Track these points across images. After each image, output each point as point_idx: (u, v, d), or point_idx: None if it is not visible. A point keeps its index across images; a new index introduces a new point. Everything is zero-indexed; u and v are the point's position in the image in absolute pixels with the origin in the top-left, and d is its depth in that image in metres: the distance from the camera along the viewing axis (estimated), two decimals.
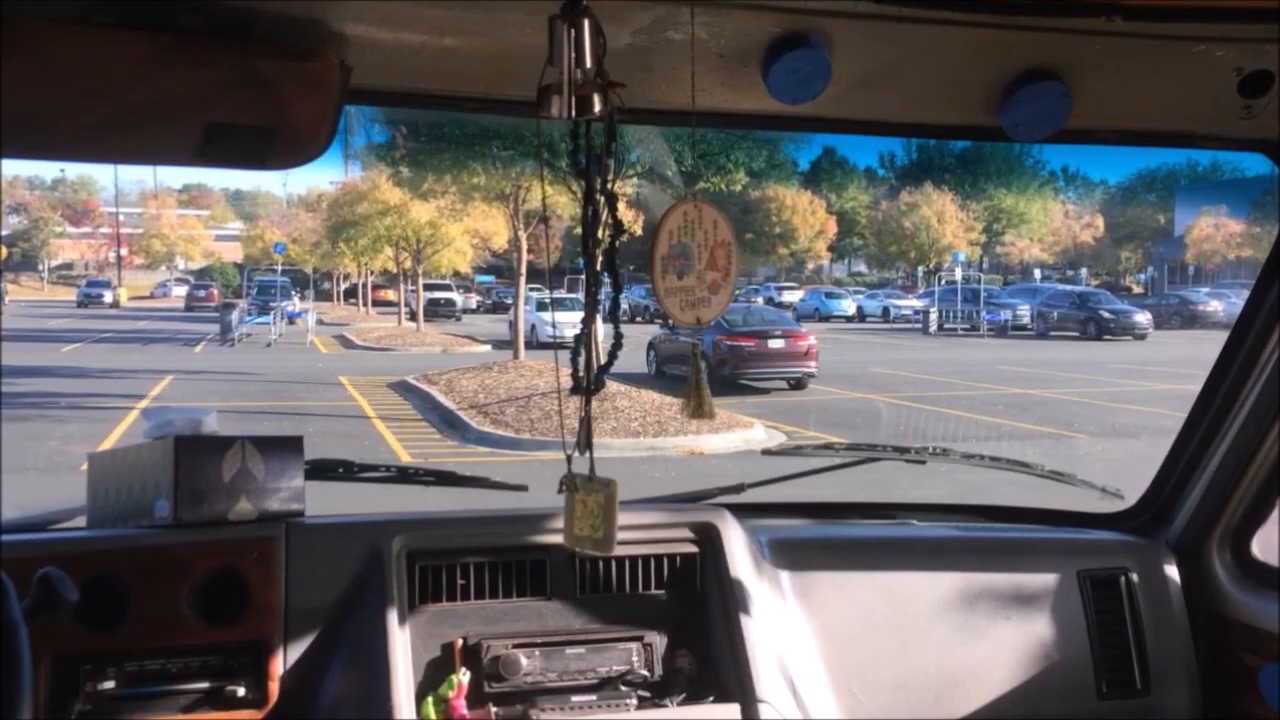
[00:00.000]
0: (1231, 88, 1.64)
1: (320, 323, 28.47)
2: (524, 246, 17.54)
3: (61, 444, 9.86)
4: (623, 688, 1.96)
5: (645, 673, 2.00)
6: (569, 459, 1.60)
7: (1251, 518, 2.24)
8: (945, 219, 36.67)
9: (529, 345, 17.80)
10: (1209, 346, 2.59)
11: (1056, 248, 40.86)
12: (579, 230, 1.51)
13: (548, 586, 2.03)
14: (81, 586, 1.63)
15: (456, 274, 29.63)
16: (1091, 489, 2.47)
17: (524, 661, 1.94)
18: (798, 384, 16.32)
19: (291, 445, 2.01)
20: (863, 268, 44.40)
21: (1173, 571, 2.28)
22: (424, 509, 2.16)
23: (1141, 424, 11.59)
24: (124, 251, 44.81)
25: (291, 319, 27.11)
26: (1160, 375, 16.24)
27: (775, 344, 16.21)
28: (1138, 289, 38.30)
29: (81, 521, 2.09)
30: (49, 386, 14.33)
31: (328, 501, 2.17)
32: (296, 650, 1.89)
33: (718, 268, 1.55)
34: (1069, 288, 30.04)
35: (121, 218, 46.44)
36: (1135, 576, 2.26)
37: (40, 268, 45.09)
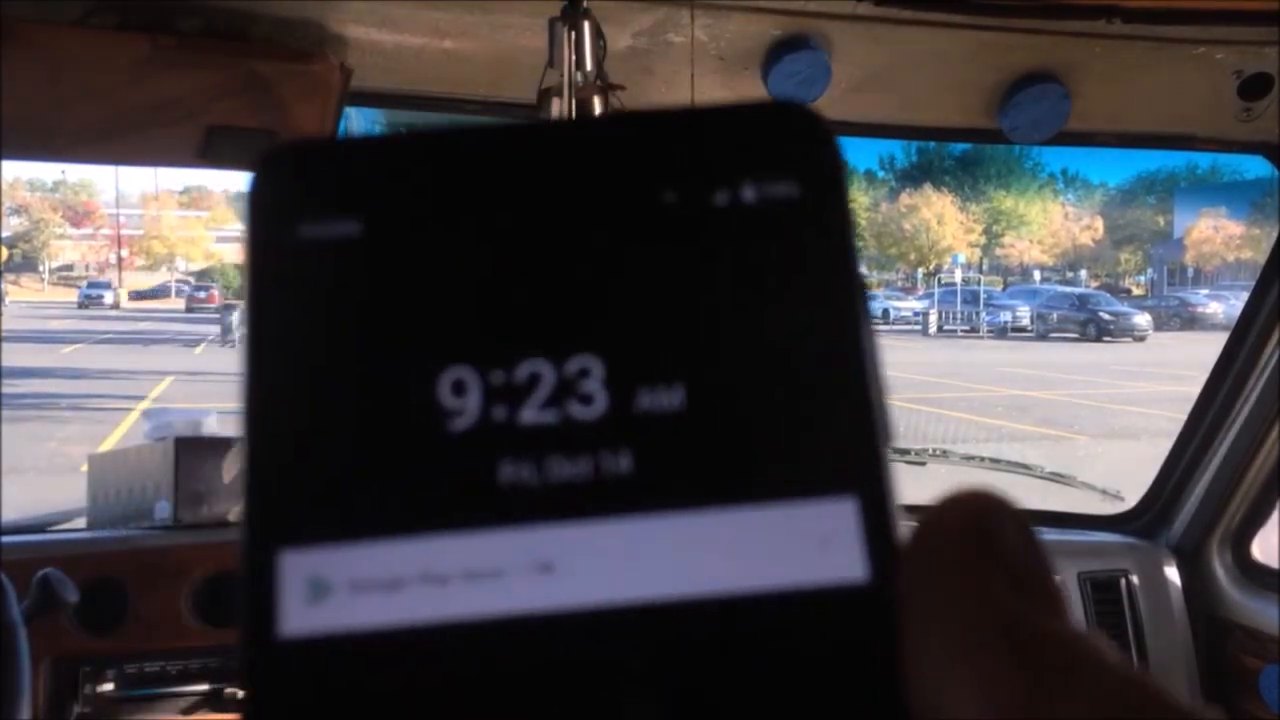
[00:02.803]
0: (1231, 90, 1.64)
1: None
2: None
3: (62, 445, 9.87)
4: None
5: None
6: None
7: (1252, 520, 2.24)
8: (945, 221, 36.68)
9: None
10: (1209, 348, 2.59)
11: (1056, 249, 40.87)
12: None
13: None
14: (81, 588, 1.63)
15: None
16: (1092, 491, 2.47)
17: None
18: None
19: None
20: (863, 269, 44.38)
21: (1173, 574, 2.28)
22: None
23: (1142, 426, 11.59)
24: (124, 253, 44.85)
25: None
26: (1160, 377, 16.24)
27: None
28: (1138, 290, 38.32)
29: (82, 523, 2.09)
30: (49, 387, 14.34)
31: None
32: None
33: None
34: (1069, 289, 30.03)
35: (122, 219, 46.49)
36: (1135, 579, 2.26)
37: (41, 269, 45.13)
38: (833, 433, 0.23)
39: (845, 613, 0.21)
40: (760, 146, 0.24)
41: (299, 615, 0.21)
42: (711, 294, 0.23)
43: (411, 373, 0.23)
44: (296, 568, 0.22)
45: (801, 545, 0.22)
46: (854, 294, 0.24)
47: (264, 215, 0.24)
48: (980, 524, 0.22)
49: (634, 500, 0.22)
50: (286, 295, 0.24)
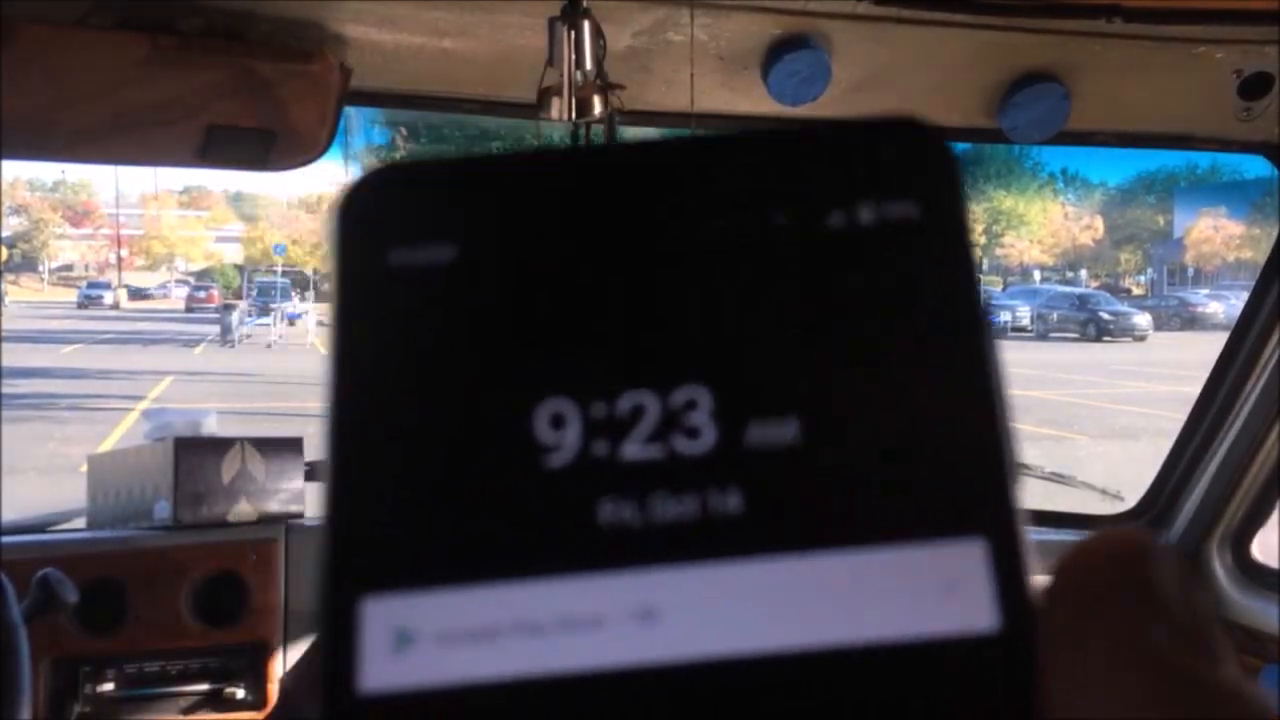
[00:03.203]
0: (1231, 90, 1.64)
1: (321, 324, 28.26)
2: None
3: (61, 445, 9.86)
4: None
5: None
6: None
7: (1252, 520, 2.24)
8: None
9: None
10: (1209, 348, 2.59)
11: (1056, 249, 40.85)
12: None
13: None
14: (81, 588, 1.63)
15: None
16: (1092, 491, 2.47)
17: None
18: None
19: (292, 446, 2.01)
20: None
21: None
22: None
23: (1142, 426, 11.59)
24: (124, 253, 44.83)
25: (292, 320, 27.08)
26: (1160, 377, 16.25)
27: None
28: (1138, 290, 38.31)
29: (81, 523, 2.09)
30: (49, 388, 14.33)
31: None
32: (296, 652, 1.89)
33: None
34: (1069, 289, 30.04)
35: (122, 219, 46.45)
36: None
37: (40, 269, 45.11)
38: (959, 469, 0.21)
39: (976, 666, 0.19)
40: (877, 165, 0.23)
41: (382, 668, 0.20)
42: (826, 321, 0.22)
43: (507, 405, 0.21)
44: (380, 616, 0.20)
45: (925, 591, 0.20)
46: (978, 319, 0.22)
47: (353, 240, 0.23)
48: (1135, 568, 0.21)
49: (744, 542, 0.20)
50: (376, 323, 0.22)
